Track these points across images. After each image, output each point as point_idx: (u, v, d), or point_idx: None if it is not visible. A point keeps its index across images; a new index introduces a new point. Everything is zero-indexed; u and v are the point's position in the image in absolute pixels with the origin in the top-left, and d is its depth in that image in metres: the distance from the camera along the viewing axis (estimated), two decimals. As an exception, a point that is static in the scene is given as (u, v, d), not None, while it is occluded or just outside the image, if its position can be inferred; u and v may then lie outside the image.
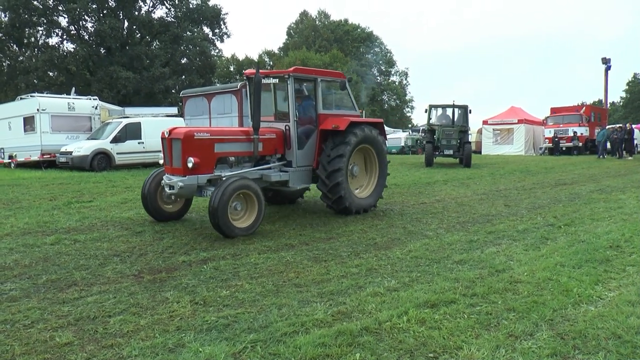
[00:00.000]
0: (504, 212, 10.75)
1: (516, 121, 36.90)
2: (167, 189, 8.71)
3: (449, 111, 24.91)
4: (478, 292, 5.46)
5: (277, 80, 9.93)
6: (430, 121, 24.98)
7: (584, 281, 5.81)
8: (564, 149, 33.57)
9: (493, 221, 9.68)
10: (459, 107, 24.54)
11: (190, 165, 8.40)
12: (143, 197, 9.51)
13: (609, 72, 41.77)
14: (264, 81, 9.62)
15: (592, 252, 7.11)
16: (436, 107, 25.36)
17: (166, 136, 8.78)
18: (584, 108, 37.90)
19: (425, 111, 25.23)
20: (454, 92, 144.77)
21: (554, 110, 37.68)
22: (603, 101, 47.08)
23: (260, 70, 9.30)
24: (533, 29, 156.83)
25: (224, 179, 8.48)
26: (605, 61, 41.31)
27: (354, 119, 10.12)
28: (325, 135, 10.01)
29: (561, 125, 34.47)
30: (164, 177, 9.02)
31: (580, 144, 33.73)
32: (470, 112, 24.37)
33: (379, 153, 10.76)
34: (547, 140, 35.13)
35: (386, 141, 11.38)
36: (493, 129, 37.85)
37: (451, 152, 23.35)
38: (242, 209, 8.49)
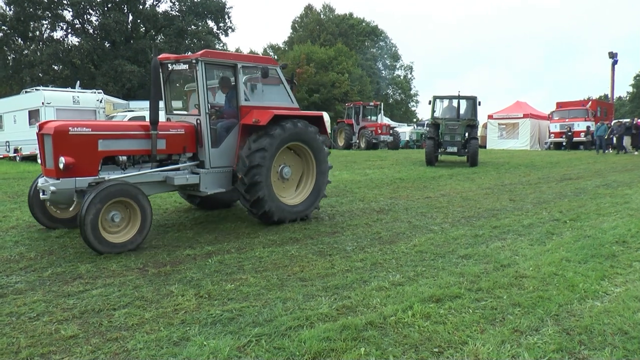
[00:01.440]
0: (509, 206, 10.71)
1: (521, 115, 36.72)
2: (40, 194, 7.46)
3: (455, 103, 21.95)
4: (483, 287, 5.44)
5: (187, 66, 8.43)
6: (435, 114, 21.81)
7: (590, 276, 5.78)
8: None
9: (498, 216, 9.65)
10: (466, 98, 21.72)
11: (61, 166, 6.95)
12: (29, 201, 8.23)
13: (615, 66, 41.51)
14: (175, 67, 8.61)
15: (598, 247, 7.07)
16: (441, 98, 22.11)
17: (37, 131, 7.52)
18: (590, 103, 37.70)
19: (429, 103, 22.18)
20: (460, 86, 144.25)
21: (559, 105, 37.51)
22: (609, 96, 46.85)
23: (170, 55, 8.62)
24: (541, 24, 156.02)
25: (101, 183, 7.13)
26: (612, 55, 41.04)
27: (284, 112, 8.77)
28: (250, 131, 8.57)
29: (567, 120, 34.30)
30: (39, 180, 7.71)
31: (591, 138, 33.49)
32: (479, 104, 21.54)
33: (316, 153, 9.18)
34: (552, 134, 34.97)
35: (329, 139, 9.91)
36: (498, 124, 37.70)
37: (455, 149, 20.52)
38: (123, 220, 7.17)
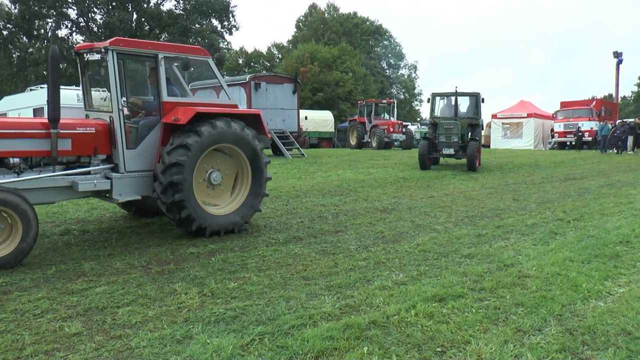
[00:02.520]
0: (512, 206, 10.70)
1: (525, 115, 36.63)
2: None
3: (454, 100, 20.17)
4: (486, 287, 5.44)
5: (100, 55, 7.42)
6: (434, 113, 20.04)
7: (593, 276, 5.77)
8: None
9: (502, 215, 9.64)
10: (468, 95, 20.03)
11: None
12: None
13: (620, 65, 41.38)
14: (90, 57, 7.73)
15: (601, 247, 7.06)
16: (440, 96, 20.30)
17: None
18: (594, 102, 37.58)
19: (428, 101, 20.33)
20: (465, 85, 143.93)
21: (563, 105, 37.40)
22: (614, 95, 46.70)
23: (85, 43, 7.77)
24: (547, 24, 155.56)
25: None
26: (617, 55, 40.91)
27: (212, 110, 7.88)
28: (173, 131, 7.60)
29: (571, 120, 34.19)
30: None
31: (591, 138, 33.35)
32: (483, 102, 19.75)
33: (250, 157, 8.12)
34: (556, 134, 34.87)
35: (268, 140, 8.99)
36: (502, 123, 37.62)
37: (452, 151, 18.34)
38: (2, 232, 6.23)
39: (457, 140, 18.30)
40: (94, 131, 7.32)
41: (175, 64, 8.42)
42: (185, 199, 7.33)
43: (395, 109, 34.61)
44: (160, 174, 7.30)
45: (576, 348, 4.06)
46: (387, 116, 33.69)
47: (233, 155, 8.16)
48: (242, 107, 23.97)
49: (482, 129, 21.35)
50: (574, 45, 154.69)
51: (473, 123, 19.49)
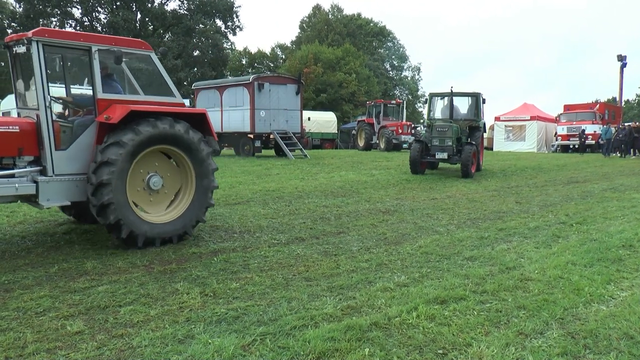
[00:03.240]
0: (515, 209, 10.69)
1: (529, 118, 36.63)
2: None
3: (455, 101, 18.81)
4: (488, 289, 5.43)
5: (25, 48, 6.75)
6: (432, 114, 18.80)
7: (596, 280, 5.76)
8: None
9: (504, 218, 9.63)
10: (468, 95, 18.92)
11: None
12: None
13: (624, 69, 41.33)
14: (17, 50, 7.04)
15: (604, 251, 7.04)
16: (439, 96, 19.01)
17: None
18: (598, 106, 37.54)
19: (426, 102, 19.37)
20: (468, 87, 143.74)
21: (567, 108, 37.37)
22: (617, 99, 46.63)
23: (14, 34, 7.23)
24: (552, 26, 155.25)
25: None
26: (621, 58, 40.87)
27: (150, 108, 7.20)
28: (109, 130, 6.94)
29: (574, 123, 34.15)
30: None
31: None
32: (483, 102, 18.72)
33: (194, 160, 7.48)
34: (560, 137, 34.83)
35: (215, 141, 8.12)
36: (505, 126, 37.61)
37: (445, 155, 16.83)
38: None
39: (451, 144, 16.79)
40: (18, 130, 6.69)
41: (127, 58, 7.79)
42: (115, 202, 6.70)
43: (405, 110, 33.67)
44: (92, 173, 6.73)
45: (578, 352, 4.06)
46: (396, 117, 32.61)
47: (177, 159, 7.58)
48: (246, 107, 24.02)
49: (485, 132, 20.37)
50: (578, 48, 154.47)
51: (473, 125, 18.43)
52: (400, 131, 30.69)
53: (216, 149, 8.17)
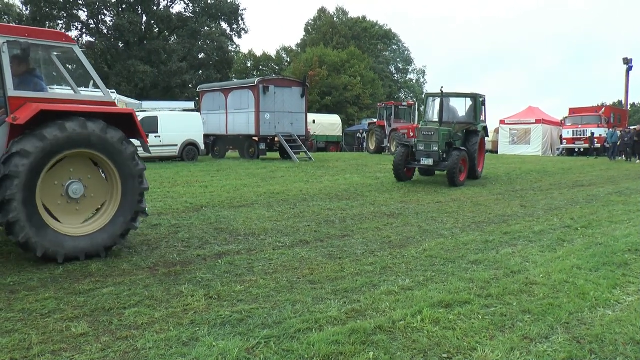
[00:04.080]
0: (520, 212, 10.66)
1: (534, 121, 36.52)
2: None
3: (452, 102, 17.69)
4: (493, 293, 5.41)
5: None
6: (427, 116, 17.37)
7: (601, 284, 5.73)
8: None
9: (509, 222, 9.60)
10: (465, 96, 17.65)
11: None
12: None
13: (630, 72, 41.17)
14: None
15: (610, 255, 7.01)
16: (435, 97, 17.36)
17: None
18: (604, 109, 37.41)
19: (422, 103, 18.04)
20: (474, 90, 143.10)
21: (572, 111, 37.25)
22: (623, 102, 46.47)
23: None
24: (558, 28, 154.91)
25: None
26: (627, 61, 40.72)
27: (63, 107, 6.40)
28: (20, 132, 6.20)
29: (580, 126, 34.05)
30: None
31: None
32: (483, 104, 17.62)
33: (116, 162, 6.67)
34: (565, 140, 34.73)
35: (147, 145, 7.55)
36: (510, 129, 37.51)
37: (431, 161, 15.35)
38: None
39: (437, 149, 15.29)
40: None
41: (55, 53, 7.15)
42: (22, 219, 5.98)
43: (417, 112, 31.89)
44: None
45: (584, 357, 4.04)
46: (409, 120, 31.16)
47: (100, 163, 6.82)
48: (250, 110, 24.04)
49: (487, 135, 18.65)
50: (585, 51, 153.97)
51: (470, 129, 16.96)
52: (412, 134, 29.48)
53: (146, 148, 7.47)
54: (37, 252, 6.18)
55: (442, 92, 16.42)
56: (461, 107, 17.70)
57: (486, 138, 18.94)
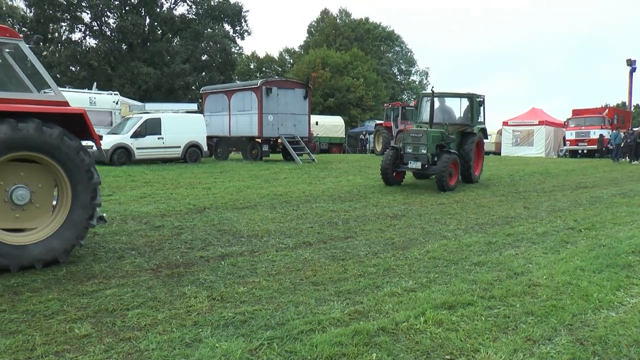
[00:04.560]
0: (523, 214, 10.64)
1: (537, 122, 36.49)
2: None
3: (447, 103, 16.88)
4: (496, 295, 5.41)
5: None
6: (421, 117, 16.47)
7: (605, 286, 5.72)
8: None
9: (512, 223, 9.59)
10: (461, 96, 16.77)
11: None
12: None
13: (634, 73, 41.08)
14: None
15: (613, 257, 7.00)
16: (430, 97, 16.15)
17: None
18: (607, 110, 37.33)
19: (417, 103, 17.03)
20: (477, 91, 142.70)
21: (575, 112, 37.20)
22: (627, 103, 46.37)
23: None
24: (560, 31, 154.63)
25: None
26: (630, 63, 40.64)
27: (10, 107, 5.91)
28: None
29: (583, 128, 34.00)
30: None
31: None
32: (481, 105, 16.72)
33: (67, 168, 6.26)
34: (568, 142, 34.67)
35: (100, 147, 7.29)
36: (513, 130, 37.48)
37: (419, 164, 14.51)
38: None
39: (425, 152, 14.35)
40: None
41: (7, 50, 6.74)
42: None
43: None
44: None
45: (587, 358, 4.03)
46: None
47: (44, 165, 6.29)
48: (253, 111, 24.08)
49: (486, 137, 17.74)
50: (588, 51, 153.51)
51: (465, 131, 16.06)
52: None
53: (96, 152, 7.50)
54: None
55: (432, 92, 15.76)
56: (457, 108, 16.80)
57: (489, 139, 18.67)
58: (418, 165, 14.59)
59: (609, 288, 5.66)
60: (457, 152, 15.25)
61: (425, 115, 15.99)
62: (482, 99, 16.76)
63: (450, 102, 16.85)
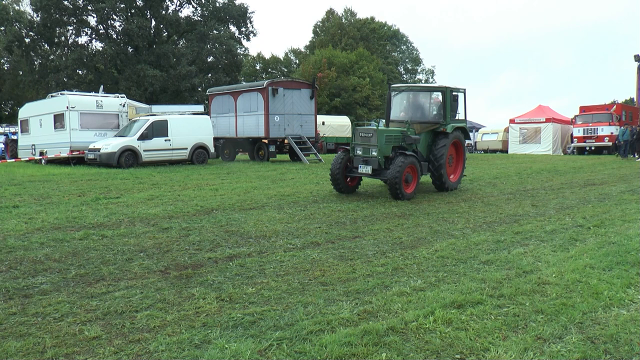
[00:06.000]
0: (531, 212, 10.59)
1: (544, 120, 36.35)
2: None
3: (418, 98, 14.49)
4: (505, 293, 5.38)
5: None
6: (392, 113, 13.88)
7: (615, 284, 5.68)
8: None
9: (520, 221, 9.55)
10: (432, 90, 14.72)
11: None
12: None
13: (641, 69, 40.77)
14: None
15: (623, 254, 6.95)
16: (399, 90, 14.49)
17: None
18: (615, 107, 37.11)
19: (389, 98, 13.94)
20: (486, 89, 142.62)
21: (583, 109, 37.02)
22: (635, 99, 46.09)
23: None
24: (567, 27, 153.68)
25: None
26: (638, 58, 40.33)
27: None
28: None
29: (590, 125, 33.84)
30: None
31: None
32: (456, 100, 14.13)
33: None
34: (575, 139, 34.50)
35: None
36: (520, 128, 37.34)
37: (369, 169, 12.49)
38: None
39: (376, 155, 12.38)
40: None
41: None
42: None
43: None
44: None
45: (598, 357, 4.00)
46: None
47: None
48: (260, 112, 24.12)
49: (467, 137, 15.17)
50: (596, 47, 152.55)
51: (437, 130, 13.77)
52: None
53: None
54: None
55: (389, 85, 14.41)
56: (426, 104, 14.41)
57: (473, 140, 15.92)
58: (368, 169, 12.57)
59: (619, 286, 5.62)
60: (416, 154, 13.04)
61: (395, 112, 14.09)
62: (456, 95, 14.20)
63: (420, 97, 14.50)
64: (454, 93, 14.07)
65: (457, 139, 14.23)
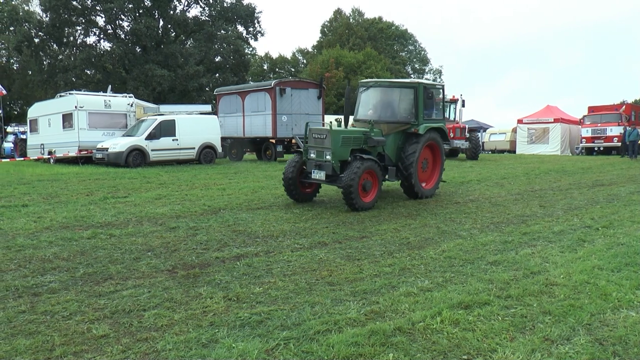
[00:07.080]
0: (539, 212, 10.55)
1: (552, 120, 36.18)
2: None
3: (390, 94, 12.80)
4: (513, 294, 5.37)
5: None
6: (359, 113, 12.76)
7: (624, 285, 5.65)
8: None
9: (528, 222, 9.51)
10: (403, 87, 12.66)
11: None
12: None
13: (650, 70, 40.54)
14: None
15: (632, 255, 6.91)
16: (368, 86, 12.94)
17: None
18: (624, 107, 36.87)
19: (355, 93, 13.14)
20: (493, 89, 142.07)
21: (591, 109, 36.81)
22: (644, 100, 45.78)
23: None
24: (575, 26, 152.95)
25: None
26: (647, 59, 40.11)
27: None
28: None
29: (599, 125, 33.65)
30: None
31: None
32: (431, 98, 12.52)
33: None
34: (583, 139, 34.33)
35: None
36: (528, 128, 37.18)
37: (322, 174, 11.10)
38: None
39: (330, 159, 10.98)
40: None
41: None
42: None
43: (461, 109, 27.59)
44: None
45: (607, 359, 3.98)
46: (451, 117, 27.01)
47: None
48: (267, 112, 24.17)
49: (445, 139, 13.39)
50: (605, 46, 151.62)
51: (408, 131, 12.22)
52: (452, 135, 24.54)
53: None
54: None
55: (348, 82, 12.21)
56: (395, 101, 12.67)
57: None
58: (321, 175, 11.16)
59: (628, 287, 5.60)
60: (382, 158, 11.91)
61: (364, 110, 12.72)
62: (432, 92, 12.62)
63: (392, 94, 12.81)
64: (429, 90, 12.50)
65: (432, 140, 12.59)
